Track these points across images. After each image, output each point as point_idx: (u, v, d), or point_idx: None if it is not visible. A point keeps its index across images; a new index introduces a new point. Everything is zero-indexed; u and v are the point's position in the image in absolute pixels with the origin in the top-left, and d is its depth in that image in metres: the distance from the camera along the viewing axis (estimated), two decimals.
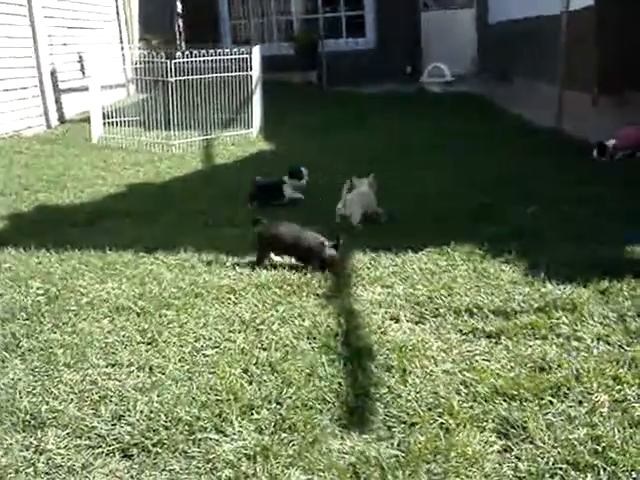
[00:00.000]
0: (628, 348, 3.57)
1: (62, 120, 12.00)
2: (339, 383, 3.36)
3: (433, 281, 4.56)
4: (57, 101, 11.94)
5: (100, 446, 2.98)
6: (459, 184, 7.18)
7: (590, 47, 10.83)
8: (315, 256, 4.81)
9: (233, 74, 10.18)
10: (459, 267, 4.79)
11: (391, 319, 4.05)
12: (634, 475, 2.65)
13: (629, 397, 3.15)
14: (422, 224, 5.82)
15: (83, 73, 12.39)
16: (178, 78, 9.82)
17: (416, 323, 4.00)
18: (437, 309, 4.13)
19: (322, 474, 2.73)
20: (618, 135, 7.70)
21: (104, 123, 10.54)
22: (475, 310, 4.08)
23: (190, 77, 9.97)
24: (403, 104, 13.75)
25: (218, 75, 10.08)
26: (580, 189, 6.61)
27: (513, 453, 2.82)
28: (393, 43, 17.97)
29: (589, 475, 2.66)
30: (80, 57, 12.61)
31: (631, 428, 2.91)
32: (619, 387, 3.23)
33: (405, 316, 4.08)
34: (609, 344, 3.64)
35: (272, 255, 5.01)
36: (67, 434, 3.06)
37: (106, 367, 3.63)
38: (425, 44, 18.41)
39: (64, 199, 7.24)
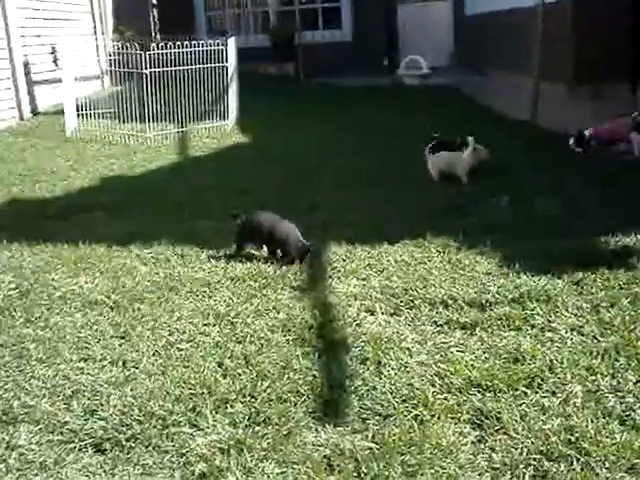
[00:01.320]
0: (602, 339, 3.60)
1: (35, 112, 11.85)
2: (314, 376, 3.35)
3: (409, 273, 4.57)
4: (30, 93, 11.78)
5: (72, 441, 2.95)
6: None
7: (566, 39, 10.88)
8: (291, 247, 4.79)
9: (208, 66, 10.11)
10: (434, 259, 4.80)
11: (366, 311, 4.04)
12: (607, 465, 2.66)
13: (602, 387, 3.17)
14: (399, 215, 5.82)
15: (56, 65, 12.24)
16: (153, 70, 9.74)
17: (391, 315, 3.99)
18: (412, 301, 4.13)
19: (296, 467, 2.72)
20: (597, 129, 7.70)
21: (78, 115, 10.42)
22: (450, 302, 4.08)
23: (165, 69, 9.89)
24: (380, 96, 13.73)
25: (193, 67, 10.01)
26: (555, 181, 6.65)
27: (487, 444, 2.83)
28: (370, 35, 17.95)
29: (562, 465, 2.67)
30: (53, 48, 12.44)
31: (604, 418, 2.93)
32: (592, 377, 3.25)
33: (380, 308, 4.07)
34: (583, 335, 3.66)
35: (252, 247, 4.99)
36: (39, 429, 3.03)
37: (79, 362, 3.60)
38: (402, 36, 18.40)
39: (37, 192, 7.16)
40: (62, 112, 10.61)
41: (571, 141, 7.69)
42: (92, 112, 10.27)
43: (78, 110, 10.41)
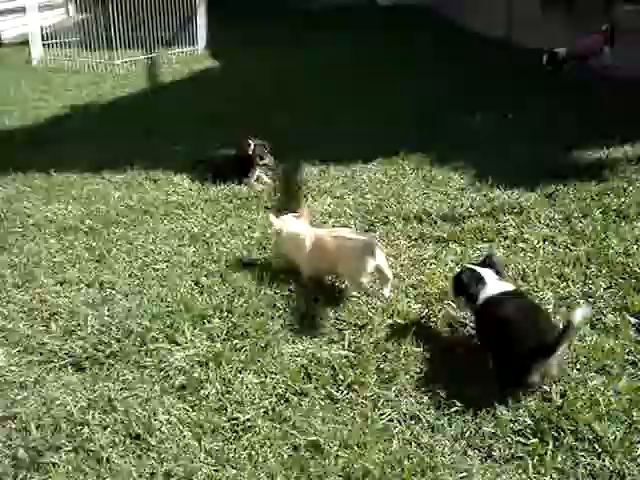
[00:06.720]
0: (573, 248, 3.66)
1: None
2: (290, 290, 3.39)
3: (383, 190, 4.58)
4: None
5: (52, 361, 2.98)
6: (410, 95, 7.11)
7: None
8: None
9: None
10: (408, 176, 4.81)
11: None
12: (578, 366, 2.75)
13: (574, 294, 3.24)
14: (372, 136, 5.79)
15: None
16: None
17: (366, 231, 4.01)
18: (386, 217, 4.15)
19: (274, 377, 2.76)
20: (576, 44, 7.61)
21: (44, 45, 10.17)
22: (424, 217, 4.11)
23: None
24: (355, 19, 13.42)
25: None
26: (528, 97, 6.61)
27: None
28: None
29: None
30: None
31: None
32: (564, 284, 3.32)
33: (355, 225, 4.09)
34: (555, 244, 3.72)
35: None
36: (18, 351, 3.05)
37: (55, 285, 3.60)
38: None
39: (5, 122, 7.02)
40: (27, 42, 10.34)
41: (544, 59, 7.62)
42: (58, 41, 10.02)
43: (44, 39, 10.15)
